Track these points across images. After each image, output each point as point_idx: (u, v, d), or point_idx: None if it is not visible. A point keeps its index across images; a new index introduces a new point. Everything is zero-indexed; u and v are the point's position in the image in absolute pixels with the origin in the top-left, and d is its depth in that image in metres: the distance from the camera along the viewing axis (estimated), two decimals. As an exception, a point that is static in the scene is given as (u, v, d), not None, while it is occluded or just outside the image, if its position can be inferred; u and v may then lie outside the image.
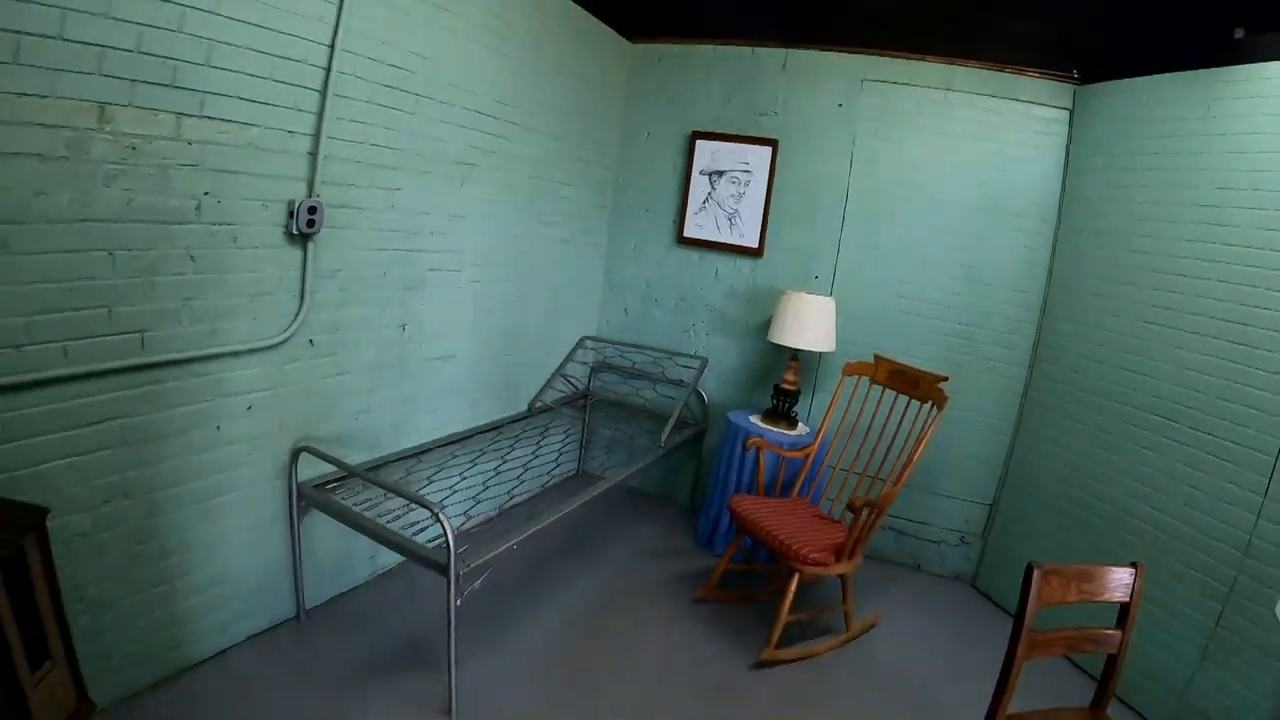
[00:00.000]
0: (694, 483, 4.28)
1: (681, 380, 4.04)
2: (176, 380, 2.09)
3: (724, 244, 4.03)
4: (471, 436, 3.34)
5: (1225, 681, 2.49)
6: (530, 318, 3.74)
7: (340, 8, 2.28)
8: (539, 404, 3.86)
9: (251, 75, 2.09)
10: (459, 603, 2.16)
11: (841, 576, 2.91)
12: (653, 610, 3.10)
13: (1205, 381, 2.67)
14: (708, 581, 3.22)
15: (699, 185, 4.03)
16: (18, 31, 1.59)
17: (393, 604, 2.86)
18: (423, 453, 3.05)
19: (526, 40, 3.22)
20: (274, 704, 2.22)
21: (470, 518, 3.17)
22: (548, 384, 3.95)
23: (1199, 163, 2.77)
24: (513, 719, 2.34)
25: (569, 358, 4.13)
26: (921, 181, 3.66)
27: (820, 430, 3.37)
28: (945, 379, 2.97)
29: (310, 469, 2.55)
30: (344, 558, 2.85)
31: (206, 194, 2.05)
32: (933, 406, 2.94)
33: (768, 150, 3.86)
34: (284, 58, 2.17)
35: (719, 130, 3.97)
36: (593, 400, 4.32)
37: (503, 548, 2.37)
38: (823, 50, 3.73)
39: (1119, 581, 1.95)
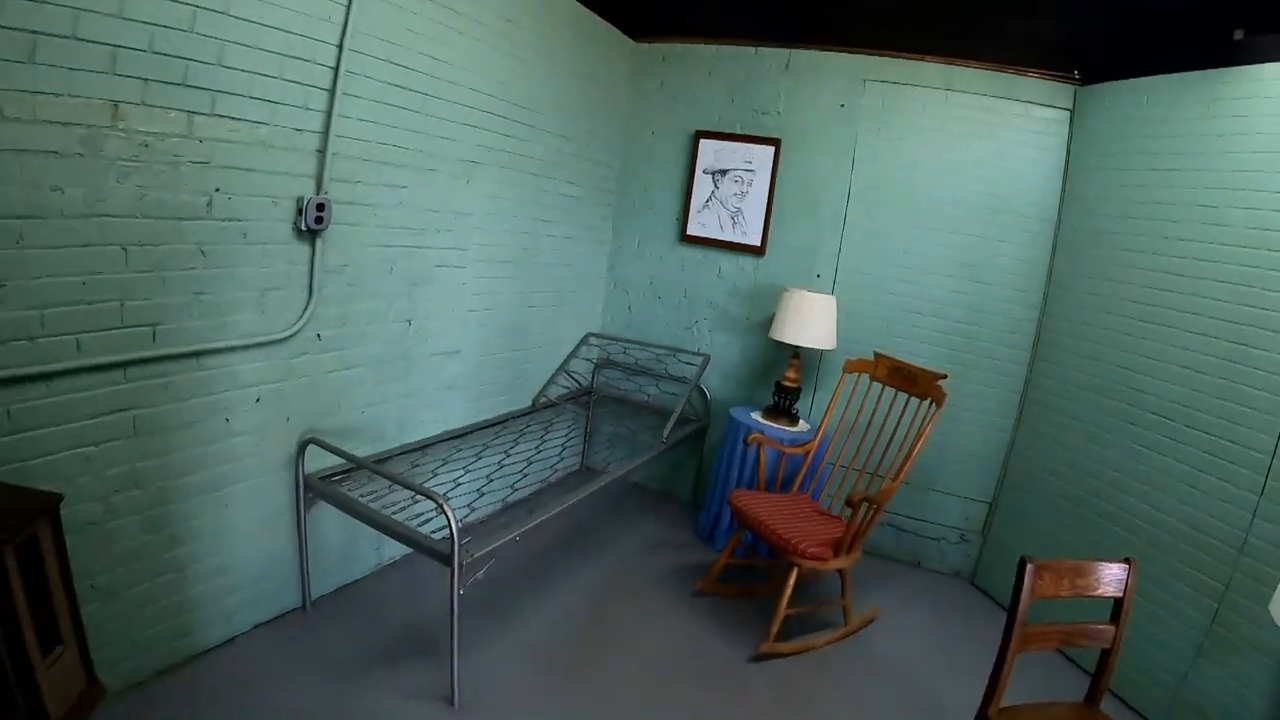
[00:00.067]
0: (696, 479, 4.32)
1: (684, 377, 4.07)
2: (187, 372, 2.14)
3: (727, 242, 4.06)
4: (476, 431, 3.37)
5: (1221, 679, 2.51)
6: (534, 314, 3.77)
7: (349, 8, 2.32)
8: (543, 399, 3.90)
9: (262, 74, 2.13)
10: (462, 592, 2.20)
11: (840, 571, 2.93)
12: (654, 603, 3.14)
13: (1202, 380, 2.69)
14: (708, 575, 3.25)
15: (702, 184, 4.06)
16: (33, 31, 1.62)
17: (397, 595, 2.91)
18: (427, 447, 3.09)
19: (532, 40, 3.26)
20: (280, 692, 2.26)
21: (474, 510, 3.21)
22: (551, 380, 3.99)
23: (1197, 163, 2.78)
24: (514, 707, 2.38)
25: (573, 354, 4.17)
26: (922, 181, 3.68)
27: (820, 427, 3.40)
28: (944, 376, 3.00)
29: (317, 461, 2.59)
30: (349, 549, 2.89)
31: (217, 190, 2.09)
32: (932, 404, 2.96)
33: (770, 149, 3.88)
34: (293, 57, 2.21)
35: (722, 129, 4.00)
36: (596, 396, 4.36)
37: (505, 539, 2.41)
38: (824, 50, 3.75)
39: (1112, 576, 1.98)
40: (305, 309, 2.45)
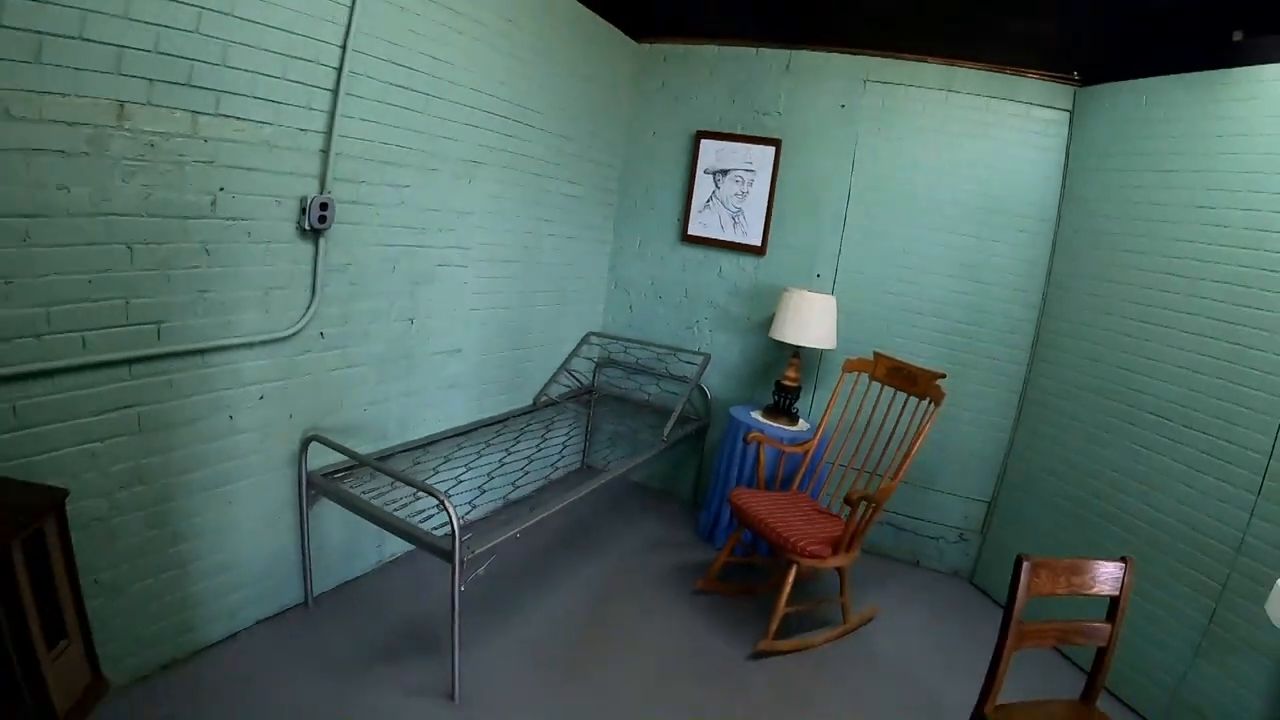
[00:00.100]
0: (696, 478, 4.33)
1: (685, 376, 4.08)
2: (191, 370, 2.16)
3: (727, 242, 4.08)
4: (477, 429, 3.39)
5: (1218, 678, 2.52)
6: (536, 313, 3.79)
7: (352, 10, 2.34)
8: (544, 398, 3.91)
9: (266, 75, 2.15)
10: (463, 588, 2.22)
11: (839, 570, 2.95)
12: (654, 601, 3.16)
13: (1200, 380, 2.70)
14: (708, 573, 3.27)
15: (703, 184, 4.08)
16: (39, 32, 1.64)
17: (398, 592, 2.92)
18: (429, 444, 3.10)
19: (534, 40, 3.27)
20: (282, 687, 2.28)
21: (475, 507, 3.23)
22: (553, 379, 4.01)
23: (1196, 164, 2.79)
24: (515, 703, 2.39)
25: (574, 353, 4.18)
26: (923, 181, 3.69)
27: (820, 426, 3.42)
28: (943, 376, 3.01)
29: (319, 458, 2.61)
30: (351, 546, 2.91)
31: (222, 190, 2.11)
32: (930, 403, 2.97)
33: (771, 150, 3.90)
34: (297, 58, 2.23)
35: (723, 130, 4.02)
36: (597, 395, 4.38)
37: (506, 535, 2.43)
38: (825, 51, 3.77)
39: (1108, 575, 1.99)
40: (308, 307, 2.47)
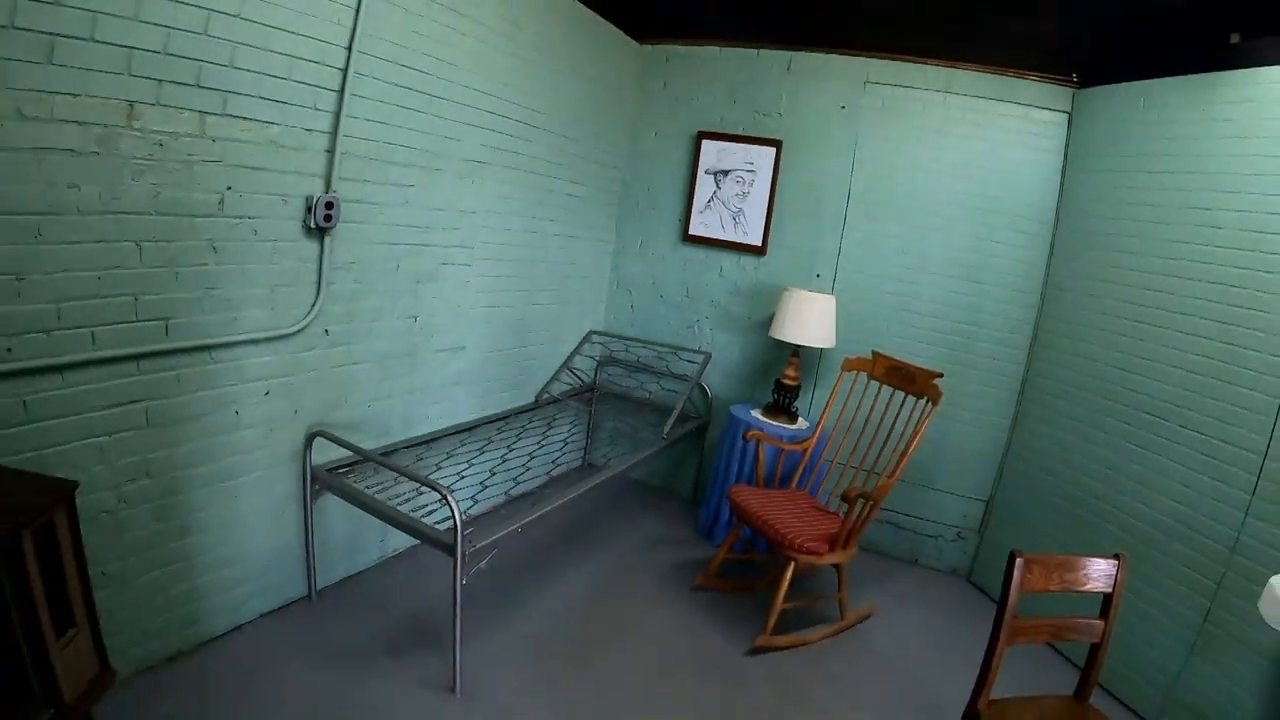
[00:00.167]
0: (697, 475, 4.36)
1: (685, 375, 4.11)
2: (197, 366, 2.19)
3: (728, 242, 4.11)
4: (479, 426, 3.42)
5: (1213, 677, 2.53)
6: (538, 312, 3.82)
7: (358, 12, 2.37)
8: (546, 396, 3.95)
9: (272, 76, 2.18)
10: (465, 582, 2.25)
11: (836, 566, 2.97)
12: (653, 597, 3.18)
13: (1196, 381, 2.72)
14: (707, 570, 3.30)
15: (704, 184, 4.10)
16: (51, 33, 1.67)
17: (401, 586, 2.96)
18: (432, 441, 3.14)
19: (537, 41, 3.30)
20: (286, 679, 2.31)
21: (476, 503, 3.26)
22: (554, 376, 4.04)
23: (1191, 165, 2.81)
24: (516, 696, 2.42)
25: (576, 351, 4.22)
26: (922, 183, 3.71)
27: (819, 424, 3.44)
28: (940, 375, 3.03)
29: (323, 454, 2.64)
30: (354, 540, 2.94)
31: (229, 189, 2.15)
32: (928, 402, 3.00)
33: (771, 150, 3.92)
34: (303, 59, 2.26)
35: (724, 130, 4.04)
36: (598, 393, 4.41)
37: (507, 530, 2.46)
38: (826, 53, 3.79)
39: (1100, 572, 2.01)
40: (313, 305, 2.50)
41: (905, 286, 3.80)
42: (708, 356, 4.06)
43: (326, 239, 2.49)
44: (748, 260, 4.10)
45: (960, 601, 3.59)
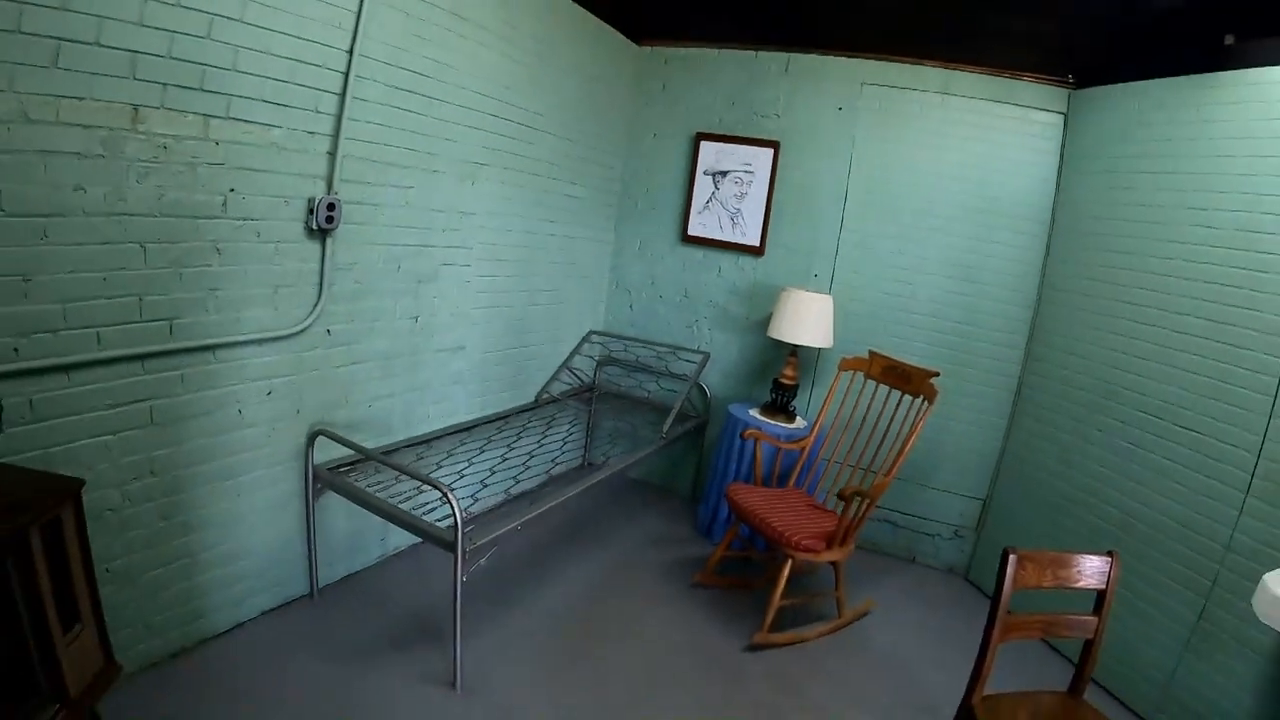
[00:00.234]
0: (695, 474, 4.39)
1: (684, 374, 4.13)
2: (201, 365, 2.22)
3: (726, 242, 4.13)
4: (479, 426, 3.45)
5: (1208, 674, 2.55)
6: (538, 312, 3.85)
7: (359, 16, 2.40)
8: (545, 395, 3.97)
9: (275, 79, 2.21)
10: (465, 579, 2.27)
11: (834, 564, 3.00)
12: (652, 594, 3.21)
13: (1191, 380, 2.73)
14: (705, 567, 3.32)
15: (703, 185, 4.13)
16: (57, 38, 1.70)
17: (402, 584, 2.98)
18: (432, 440, 3.16)
19: (535, 44, 3.32)
20: (287, 676, 2.33)
21: (477, 501, 3.28)
22: (554, 376, 4.07)
23: (1187, 165, 2.83)
24: (516, 691, 2.44)
25: (575, 351, 4.24)
26: (919, 183, 3.74)
27: (816, 423, 3.47)
28: (936, 374, 3.05)
29: (325, 452, 2.66)
30: (356, 539, 2.97)
31: (232, 191, 2.17)
32: (924, 401, 3.02)
33: (770, 152, 3.95)
34: (305, 63, 2.29)
35: (722, 132, 4.07)
36: (598, 393, 4.43)
37: (507, 527, 2.48)
38: (823, 55, 3.82)
39: (1093, 568, 2.03)
40: (315, 305, 2.53)
41: (902, 287, 3.83)
42: (706, 356, 4.08)
43: (328, 240, 2.51)
44: (746, 260, 4.12)
45: (957, 599, 3.61)
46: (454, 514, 2.23)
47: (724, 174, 4.07)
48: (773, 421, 3.68)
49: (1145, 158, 3.01)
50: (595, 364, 4.46)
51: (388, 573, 3.06)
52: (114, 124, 1.85)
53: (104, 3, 1.75)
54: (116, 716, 1.91)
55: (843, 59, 3.78)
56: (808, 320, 3.57)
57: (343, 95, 2.43)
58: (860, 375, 3.47)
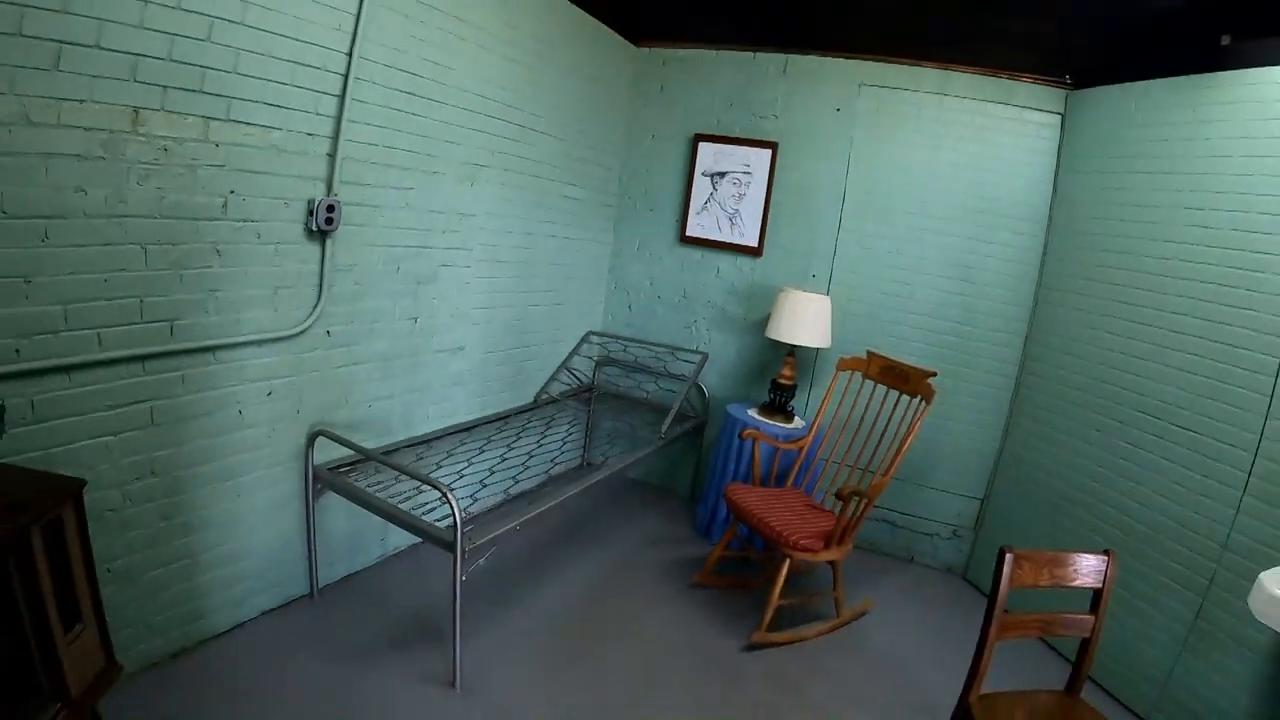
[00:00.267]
0: (694, 474, 4.39)
1: (683, 375, 4.14)
2: (202, 366, 2.22)
3: (725, 243, 4.14)
4: (479, 426, 3.46)
5: (1205, 672, 2.56)
6: (537, 313, 3.86)
7: (358, 18, 2.41)
8: (544, 396, 3.98)
9: (275, 81, 2.22)
10: (464, 578, 2.28)
11: (832, 563, 3.01)
12: (651, 594, 3.22)
13: (1188, 380, 2.74)
14: (704, 567, 3.33)
15: (701, 186, 4.14)
16: (59, 41, 1.70)
17: (401, 584, 2.99)
18: (432, 440, 3.17)
19: (534, 46, 3.34)
20: (287, 675, 2.34)
21: (476, 501, 3.29)
22: (553, 377, 4.08)
23: (1182, 165, 2.84)
24: (515, 690, 2.45)
25: (574, 352, 4.25)
26: (917, 184, 3.75)
27: (814, 423, 3.48)
28: (934, 374, 3.06)
29: (325, 453, 2.67)
30: (355, 539, 2.97)
31: (232, 192, 2.18)
32: (922, 400, 3.03)
33: (768, 152, 3.96)
34: (305, 65, 2.30)
35: (721, 133, 4.08)
36: (597, 393, 4.44)
37: (506, 527, 2.49)
38: (821, 56, 3.83)
39: (1090, 567, 2.03)
40: (315, 306, 2.54)
41: (900, 287, 3.84)
42: (705, 356, 4.10)
43: (328, 241, 2.52)
44: (744, 261, 4.13)
45: (956, 599, 3.62)
46: (453, 514, 2.24)
47: (722, 175, 4.08)
48: (771, 421, 3.69)
49: (1142, 158, 3.02)
50: (594, 364, 4.47)
51: (387, 573, 3.07)
52: (115, 126, 1.86)
53: (105, 6, 1.77)
54: (117, 716, 1.92)
55: (840, 60, 3.80)
56: (806, 320, 3.58)
57: (342, 97, 2.44)
58: (858, 375, 3.48)
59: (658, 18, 3.85)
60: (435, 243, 3.03)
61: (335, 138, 2.45)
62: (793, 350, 3.74)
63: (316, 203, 2.42)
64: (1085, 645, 2.05)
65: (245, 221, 2.24)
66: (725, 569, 3.43)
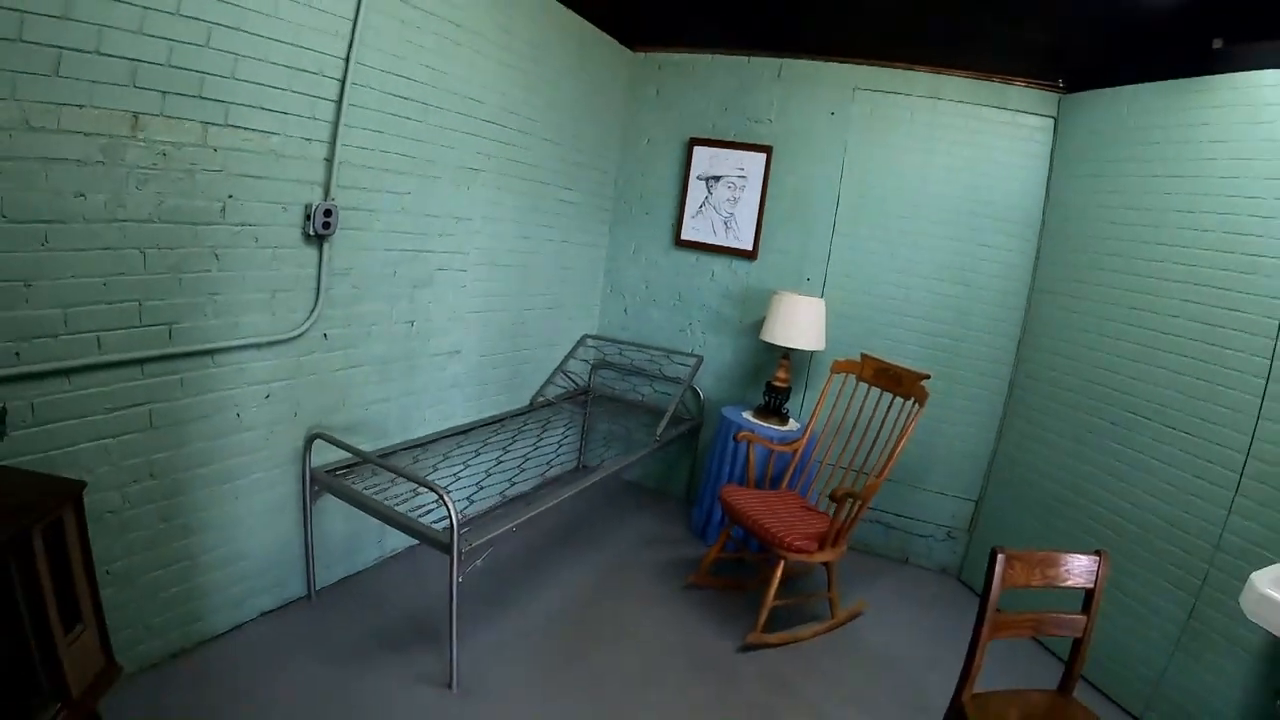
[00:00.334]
0: (689, 476, 4.41)
1: (678, 377, 4.16)
2: (200, 370, 2.24)
3: (720, 246, 4.16)
4: (475, 429, 3.47)
5: (1197, 672, 2.57)
6: (533, 316, 3.88)
7: (355, 24, 2.43)
8: (540, 399, 4.00)
9: (273, 87, 2.24)
10: (461, 580, 2.30)
11: (826, 565, 3.02)
12: (647, 595, 3.23)
13: (1180, 381, 2.76)
14: (699, 569, 3.34)
15: (696, 190, 4.16)
16: (59, 47, 1.72)
17: (398, 586, 3.00)
18: (428, 443, 3.19)
19: (530, 50, 3.36)
20: (286, 676, 2.35)
21: (472, 503, 3.29)
22: (549, 380, 4.09)
23: (1174, 168, 2.87)
24: (511, 691, 2.46)
25: (570, 355, 4.27)
26: (911, 187, 3.77)
27: (809, 425, 3.50)
28: (927, 376, 3.08)
29: (323, 455, 2.68)
30: (353, 541, 2.99)
31: (230, 197, 2.20)
32: (915, 403, 3.05)
33: (762, 156, 3.98)
34: (303, 70, 2.32)
35: (716, 137, 4.10)
36: (592, 396, 4.45)
37: (503, 529, 2.51)
38: (815, 60, 3.85)
39: (1081, 567, 2.05)
40: (313, 310, 2.55)
41: (894, 290, 3.86)
42: (700, 359, 4.12)
43: (325, 246, 2.54)
44: (739, 264, 4.15)
45: (950, 600, 3.63)
46: (450, 516, 2.25)
47: (717, 179, 4.11)
48: (765, 424, 3.71)
49: (1134, 161, 3.05)
50: (590, 367, 4.49)
51: (385, 574, 3.08)
52: (114, 131, 1.87)
53: (105, 12, 1.78)
54: (117, 717, 1.92)
55: (835, 64, 3.82)
56: (800, 323, 3.60)
57: (339, 102, 2.46)
58: (852, 378, 3.50)
59: (653, 22, 3.87)
60: (432, 246, 3.04)
61: (332, 142, 2.47)
62: (787, 353, 3.76)
63: (314, 207, 2.44)
64: (1077, 645, 2.06)
65: (243, 226, 2.26)
66: (720, 570, 3.44)
